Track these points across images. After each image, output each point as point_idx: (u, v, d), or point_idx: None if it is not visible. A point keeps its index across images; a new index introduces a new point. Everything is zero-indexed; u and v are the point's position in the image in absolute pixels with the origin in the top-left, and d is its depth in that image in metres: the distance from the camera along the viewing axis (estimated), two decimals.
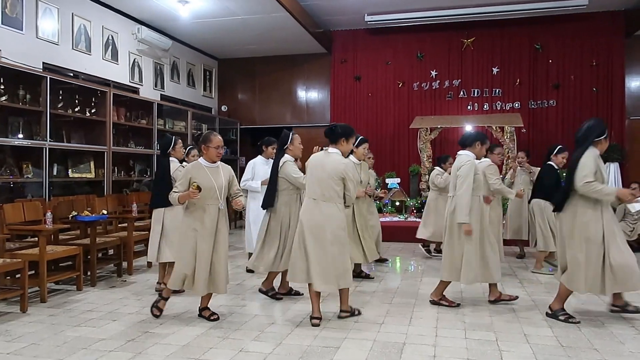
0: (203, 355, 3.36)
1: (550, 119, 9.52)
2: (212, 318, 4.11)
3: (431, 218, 6.80)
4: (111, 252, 6.31)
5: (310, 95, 11.04)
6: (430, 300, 4.60)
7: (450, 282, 4.52)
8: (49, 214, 4.82)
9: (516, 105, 9.63)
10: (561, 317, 4.07)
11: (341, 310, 4.13)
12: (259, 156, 5.93)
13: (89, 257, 5.35)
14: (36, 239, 4.93)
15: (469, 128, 9.77)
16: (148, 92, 8.89)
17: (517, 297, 4.66)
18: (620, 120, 9.21)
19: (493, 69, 9.77)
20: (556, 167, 5.92)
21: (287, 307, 4.52)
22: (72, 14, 7.22)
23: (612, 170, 8.86)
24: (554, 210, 4.23)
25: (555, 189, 5.87)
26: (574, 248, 3.94)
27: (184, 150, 5.37)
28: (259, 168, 5.82)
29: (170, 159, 5.07)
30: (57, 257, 4.98)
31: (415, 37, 10.02)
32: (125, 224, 6.17)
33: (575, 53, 9.39)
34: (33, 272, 4.78)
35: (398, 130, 10.11)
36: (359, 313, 4.22)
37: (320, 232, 3.90)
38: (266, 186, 4.84)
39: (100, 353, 3.40)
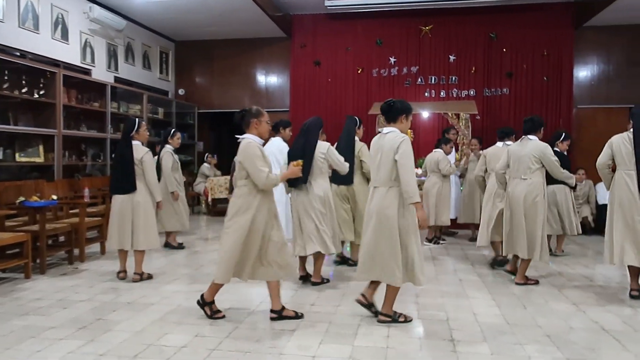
0: (157, 341, 3.34)
1: (504, 106, 9.79)
2: (217, 316, 3.83)
3: (440, 203, 6.71)
4: (62, 238, 6.12)
5: (269, 79, 10.94)
6: (516, 283, 4.83)
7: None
8: None
9: (471, 92, 9.85)
10: None
11: (381, 313, 3.74)
12: (278, 138, 5.88)
13: (38, 244, 5.17)
14: None
15: (426, 115, 9.97)
16: (101, 73, 8.58)
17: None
18: (568, 109, 9.58)
19: (450, 56, 9.93)
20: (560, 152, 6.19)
21: (244, 292, 4.53)
22: None
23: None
24: None
25: None
26: None
27: (148, 133, 5.22)
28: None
29: (134, 142, 4.88)
30: (4, 245, 4.80)
31: (375, 23, 10.06)
32: (77, 210, 5.99)
33: (528, 43, 9.66)
34: None
35: (357, 115, 10.09)
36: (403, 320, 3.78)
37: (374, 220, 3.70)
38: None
39: (49, 342, 3.32)
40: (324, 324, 3.65)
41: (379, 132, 3.77)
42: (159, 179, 6.32)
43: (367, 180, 5.52)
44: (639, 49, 9.46)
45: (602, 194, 8.03)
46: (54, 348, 3.21)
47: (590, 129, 9.58)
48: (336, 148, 4.92)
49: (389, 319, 3.69)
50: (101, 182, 7.63)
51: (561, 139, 6.16)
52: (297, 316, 3.78)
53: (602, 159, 4.62)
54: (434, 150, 7.09)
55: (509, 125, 9.64)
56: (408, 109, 3.70)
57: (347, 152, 5.08)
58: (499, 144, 5.94)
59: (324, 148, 4.68)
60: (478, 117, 9.44)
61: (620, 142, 4.48)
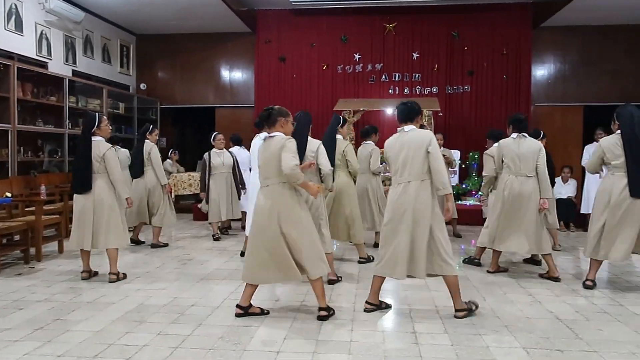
0: (118, 340, 3.27)
1: (465, 103, 10.00)
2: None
3: None
4: (18, 237, 5.90)
5: (234, 75, 10.83)
6: (488, 271, 5.13)
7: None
8: None
9: (434, 90, 10.01)
10: None
11: (457, 310, 3.81)
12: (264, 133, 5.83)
13: None
14: None
15: (390, 111, 10.08)
16: (58, 67, 8.30)
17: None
18: (526, 106, 9.86)
19: (413, 54, 10.07)
20: None
21: (208, 289, 4.49)
22: None
23: None
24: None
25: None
26: None
27: (110, 129, 5.06)
28: None
29: (95, 138, 4.71)
30: None
31: (340, 20, 10.10)
32: (33, 208, 5.79)
33: (488, 42, 9.89)
34: None
35: (322, 112, 10.17)
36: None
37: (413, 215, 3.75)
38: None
39: (4, 343, 3.21)
40: (288, 320, 3.66)
41: (401, 130, 3.87)
42: (139, 174, 6.31)
43: (354, 178, 5.54)
44: (593, 50, 9.84)
45: (557, 189, 8.31)
46: (9, 350, 3.11)
47: (547, 126, 9.87)
48: None
49: (465, 311, 3.77)
50: (59, 178, 7.39)
51: (541, 137, 6.18)
52: (263, 313, 3.78)
53: (594, 166, 4.71)
54: None
55: (469, 122, 9.93)
56: (421, 111, 3.95)
57: (329, 150, 5.07)
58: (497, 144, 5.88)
59: (314, 146, 4.52)
60: (441, 114, 9.62)
61: (611, 146, 4.54)
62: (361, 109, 9.61)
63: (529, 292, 4.46)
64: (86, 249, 4.72)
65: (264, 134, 5.73)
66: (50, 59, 8.16)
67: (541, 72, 10.11)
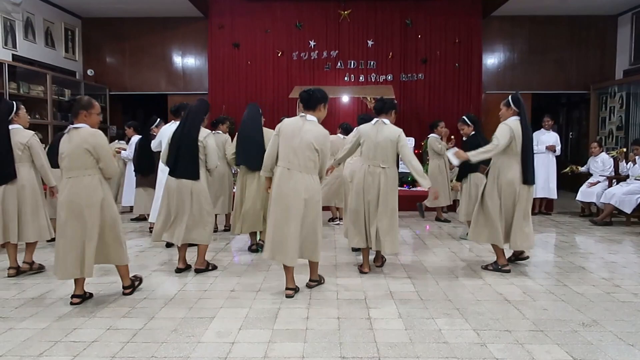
0: (66, 337, 3.15)
1: (419, 91, 10.14)
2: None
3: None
4: None
5: (186, 61, 10.55)
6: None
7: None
8: None
9: (389, 77, 10.10)
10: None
11: (310, 280, 4.20)
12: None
13: None
14: None
15: (345, 99, 10.11)
16: None
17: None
18: (477, 94, 10.11)
19: (368, 41, 10.10)
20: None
21: (160, 282, 4.38)
22: None
23: None
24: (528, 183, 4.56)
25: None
26: None
27: (29, 116, 4.80)
28: None
29: (13, 126, 4.45)
30: None
31: (294, 6, 10.00)
32: None
33: (441, 30, 10.05)
34: None
35: (277, 99, 10.10)
36: (324, 281, 4.31)
37: (295, 203, 3.81)
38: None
39: None
40: (243, 310, 3.62)
41: (302, 116, 3.91)
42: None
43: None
44: (538, 39, 10.17)
45: None
46: None
47: (497, 113, 10.14)
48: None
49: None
50: None
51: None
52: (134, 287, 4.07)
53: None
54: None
55: (423, 109, 10.07)
56: (326, 99, 3.98)
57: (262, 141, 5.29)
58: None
59: (202, 135, 4.47)
60: (395, 102, 9.69)
61: (519, 128, 4.64)
62: None
63: (480, 275, 4.59)
64: (12, 241, 4.47)
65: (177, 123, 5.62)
66: None
67: (491, 60, 10.37)
